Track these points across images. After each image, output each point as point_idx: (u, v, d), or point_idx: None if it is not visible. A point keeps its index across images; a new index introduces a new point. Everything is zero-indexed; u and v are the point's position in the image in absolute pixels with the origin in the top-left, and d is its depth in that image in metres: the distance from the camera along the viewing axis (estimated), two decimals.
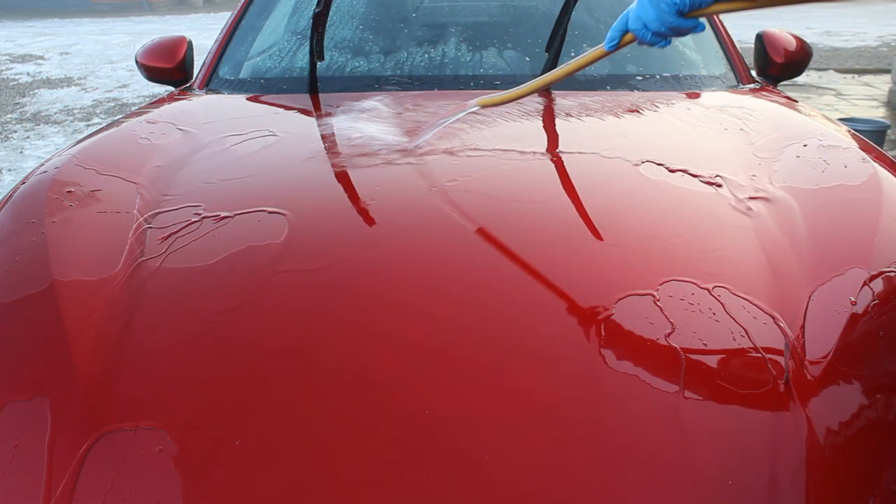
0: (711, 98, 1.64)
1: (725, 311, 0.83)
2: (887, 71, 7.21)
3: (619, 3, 2.03)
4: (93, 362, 0.81)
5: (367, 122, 1.44)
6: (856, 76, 7.45)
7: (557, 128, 1.42)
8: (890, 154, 1.84)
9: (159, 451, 0.70)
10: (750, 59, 2.06)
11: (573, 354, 0.78)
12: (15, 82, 8.03)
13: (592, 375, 0.75)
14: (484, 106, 1.24)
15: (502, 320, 0.83)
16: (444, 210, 1.03)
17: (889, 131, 4.43)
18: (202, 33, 11.22)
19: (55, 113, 6.44)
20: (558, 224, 1.00)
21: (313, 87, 1.68)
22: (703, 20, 0.97)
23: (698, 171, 1.14)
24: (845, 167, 1.16)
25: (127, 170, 1.22)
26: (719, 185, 1.10)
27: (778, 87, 1.91)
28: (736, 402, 0.74)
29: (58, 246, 0.99)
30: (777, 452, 0.70)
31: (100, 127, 1.61)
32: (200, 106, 1.70)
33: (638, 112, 1.50)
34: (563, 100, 1.59)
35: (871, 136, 3.41)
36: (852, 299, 0.85)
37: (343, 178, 1.19)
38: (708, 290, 0.86)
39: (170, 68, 2.06)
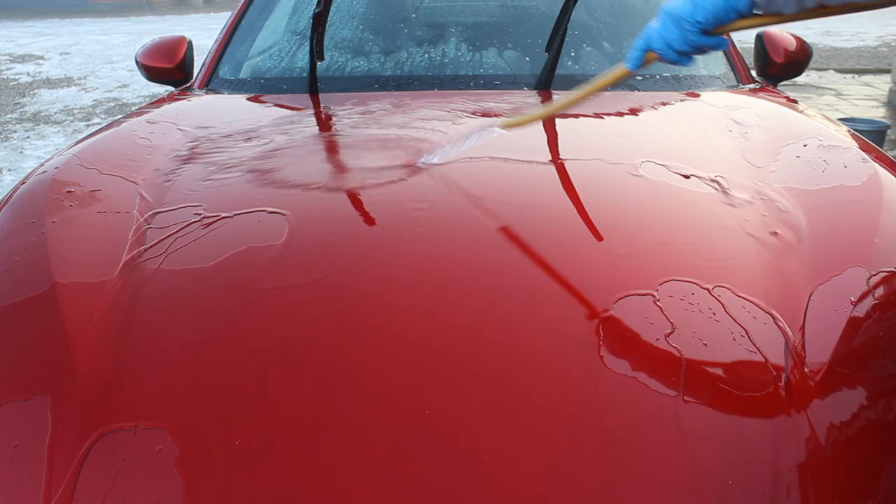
0: (711, 98, 1.64)
1: (725, 311, 0.83)
2: (887, 71, 7.21)
3: (619, 3, 2.03)
4: (93, 362, 0.81)
5: (368, 123, 1.44)
6: (856, 76, 7.46)
7: (557, 128, 1.42)
8: (890, 154, 1.84)
9: (159, 451, 0.70)
10: (750, 59, 2.07)
11: (573, 354, 0.78)
12: (15, 82, 8.03)
13: (592, 375, 0.75)
14: (507, 127, 1.22)
15: (502, 320, 0.83)
16: (444, 211, 1.03)
17: (889, 131, 4.43)
18: (202, 33, 11.22)
19: (55, 113, 6.44)
20: (558, 224, 1.00)
21: (313, 87, 1.68)
22: (725, 36, 0.96)
23: (698, 172, 1.14)
24: (845, 167, 1.16)
25: (127, 170, 1.22)
26: (719, 186, 1.10)
27: (778, 87, 1.91)
28: (736, 402, 0.74)
29: (58, 246, 0.99)
30: (777, 453, 0.70)
31: (100, 127, 1.61)
32: (200, 106, 1.70)
33: (638, 112, 1.50)
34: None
35: (871, 136, 3.41)
36: (852, 299, 0.85)
37: (344, 178, 1.19)
38: (708, 291, 0.86)
39: (170, 68, 2.06)
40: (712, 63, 1.86)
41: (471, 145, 1.17)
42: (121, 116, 1.62)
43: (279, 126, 1.44)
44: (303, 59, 1.87)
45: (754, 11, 0.90)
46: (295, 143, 1.32)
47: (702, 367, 0.76)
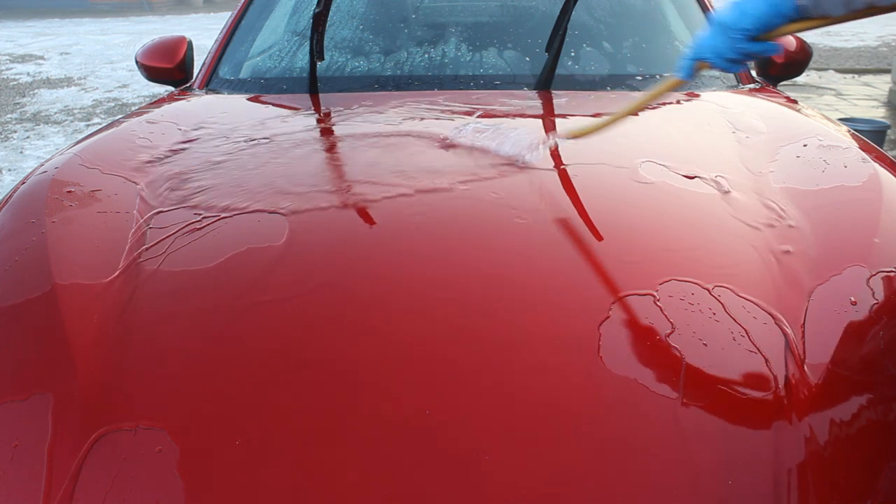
0: (711, 98, 1.64)
1: (725, 311, 0.83)
2: (887, 71, 7.21)
3: (619, 3, 2.03)
4: (93, 362, 0.81)
5: (369, 123, 1.44)
6: (856, 76, 7.45)
7: (556, 128, 1.42)
8: (890, 154, 1.84)
9: (159, 451, 0.70)
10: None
11: (573, 354, 0.78)
12: (15, 82, 8.03)
13: (592, 375, 0.75)
14: (571, 137, 1.22)
15: (502, 321, 0.83)
16: (444, 212, 1.03)
17: (889, 131, 4.43)
18: (202, 33, 11.22)
19: (55, 113, 6.44)
20: (557, 224, 1.00)
21: (313, 87, 1.68)
22: (776, 41, 0.96)
23: (698, 172, 1.14)
24: (845, 167, 1.16)
25: (127, 170, 1.22)
26: (719, 186, 1.10)
27: (778, 87, 1.91)
28: (736, 402, 0.74)
29: (58, 246, 0.99)
30: (777, 453, 0.70)
31: (100, 127, 1.61)
32: (200, 106, 1.70)
33: (638, 112, 1.50)
34: (562, 100, 1.59)
35: (871, 136, 3.41)
36: (852, 299, 0.85)
37: (344, 179, 1.19)
38: (708, 290, 0.86)
39: (170, 68, 2.06)
40: None
41: (538, 157, 1.17)
42: (121, 116, 1.62)
43: (279, 126, 1.44)
44: (303, 59, 1.87)
45: (801, 15, 0.89)
46: (295, 143, 1.32)
47: (702, 368, 0.76)
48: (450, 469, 0.68)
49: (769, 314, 0.83)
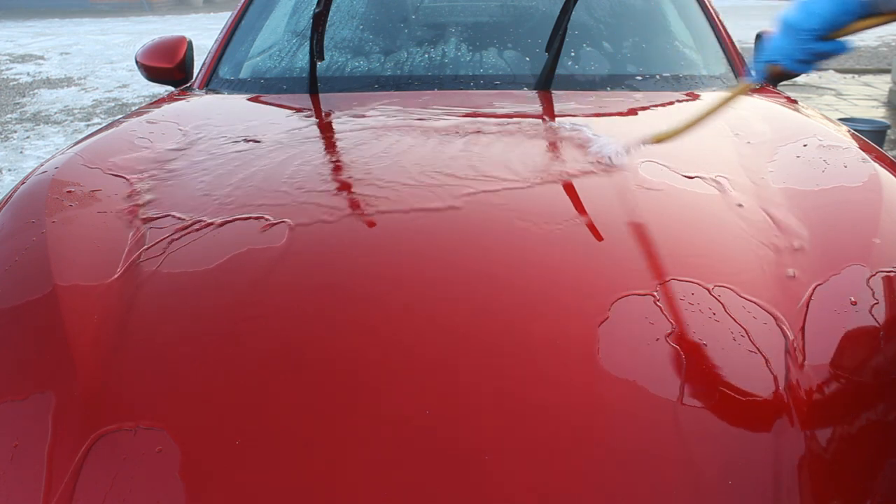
0: (711, 98, 1.64)
1: (725, 311, 0.83)
2: (887, 71, 7.21)
3: (619, 3, 2.03)
4: (93, 362, 0.81)
5: (369, 123, 1.44)
6: (856, 76, 7.46)
7: (557, 128, 1.42)
8: (890, 154, 1.84)
9: (159, 451, 0.70)
10: (750, 59, 2.06)
11: (573, 354, 0.78)
12: (15, 82, 8.03)
13: (592, 375, 0.75)
14: (657, 141, 1.21)
15: (502, 321, 0.83)
16: (443, 212, 1.03)
17: (889, 131, 4.43)
18: (202, 33, 11.22)
19: (55, 113, 6.44)
20: (557, 224, 1.00)
21: (313, 87, 1.68)
22: (846, 39, 0.95)
23: (698, 172, 1.14)
24: (845, 167, 1.16)
25: (127, 170, 1.22)
26: (719, 186, 1.10)
27: (778, 87, 1.91)
28: (736, 402, 0.74)
29: (58, 246, 0.99)
30: (777, 453, 0.70)
31: (100, 127, 1.61)
32: (200, 106, 1.70)
33: (638, 112, 1.50)
34: (563, 100, 1.59)
35: (871, 136, 3.41)
36: (852, 299, 0.85)
37: (344, 180, 1.19)
38: (708, 290, 0.86)
39: (170, 68, 2.06)
40: (712, 63, 1.86)
41: (623, 160, 1.18)
42: (121, 116, 1.62)
43: (279, 126, 1.44)
44: (303, 59, 1.87)
45: (869, 11, 0.88)
46: (295, 144, 1.32)
47: (702, 368, 0.76)
48: (450, 469, 0.68)
49: (769, 314, 0.83)
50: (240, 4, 2.13)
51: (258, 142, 1.32)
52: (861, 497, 0.69)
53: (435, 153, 1.25)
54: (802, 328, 0.82)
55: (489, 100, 1.59)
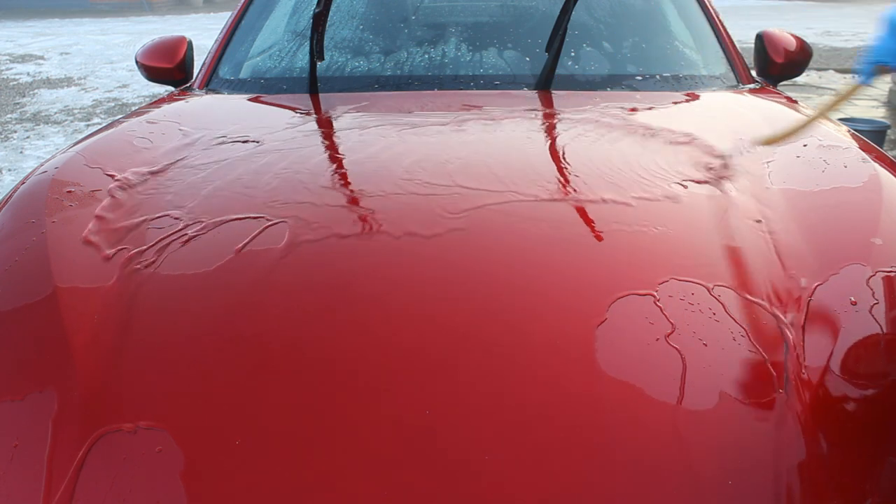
0: (711, 98, 1.64)
1: (725, 311, 0.83)
2: None
3: (619, 3, 2.03)
4: (93, 362, 0.81)
5: (369, 123, 1.44)
6: (856, 76, 7.45)
7: (557, 128, 1.42)
8: (890, 154, 1.84)
9: (159, 451, 0.70)
10: (750, 59, 2.07)
11: (573, 354, 0.78)
12: (15, 82, 8.03)
13: (592, 375, 0.75)
14: (766, 144, 1.19)
15: (502, 321, 0.83)
16: (444, 212, 1.03)
17: (889, 131, 4.43)
18: (202, 33, 11.22)
19: (55, 113, 6.44)
20: (557, 225, 1.00)
21: (313, 87, 1.68)
22: None
23: (698, 171, 1.14)
24: (845, 167, 1.16)
25: (127, 170, 1.22)
26: (719, 186, 1.10)
27: (778, 87, 1.91)
28: (736, 402, 0.74)
29: (58, 246, 0.99)
30: (777, 452, 0.70)
31: (100, 127, 1.61)
32: (200, 106, 1.70)
33: (638, 112, 1.50)
34: (562, 100, 1.59)
35: (871, 136, 3.41)
36: (852, 299, 0.85)
37: (344, 181, 1.19)
38: (708, 290, 0.86)
39: (170, 68, 2.06)
40: (712, 63, 1.86)
41: (736, 164, 1.17)
42: (121, 116, 1.62)
43: (279, 127, 1.44)
44: (303, 59, 1.87)
45: None
46: (295, 144, 1.32)
47: (702, 367, 0.76)
48: (449, 469, 0.68)
49: (769, 314, 0.83)
50: (240, 4, 2.13)
51: (258, 142, 1.32)
52: (861, 497, 0.69)
53: (434, 153, 1.25)
54: (802, 328, 0.82)
55: (489, 100, 1.59)
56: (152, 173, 1.21)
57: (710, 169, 1.16)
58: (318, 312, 0.86)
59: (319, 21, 1.56)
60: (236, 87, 1.83)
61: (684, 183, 1.11)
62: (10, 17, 17.39)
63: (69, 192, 1.14)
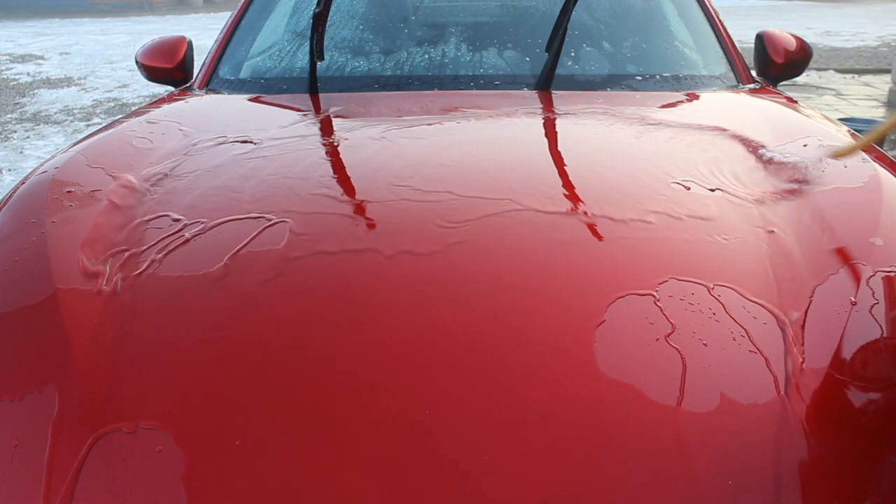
0: (711, 98, 1.64)
1: (725, 311, 0.83)
2: (887, 71, 7.20)
3: (619, 3, 2.03)
4: (93, 362, 0.81)
5: (368, 123, 1.44)
6: (856, 76, 7.46)
7: (557, 128, 1.42)
8: (890, 154, 1.84)
9: (159, 451, 0.70)
10: (750, 59, 2.07)
11: (573, 354, 0.78)
12: (15, 82, 8.03)
13: (592, 375, 0.75)
14: (837, 157, 1.17)
15: (502, 321, 0.83)
16: (443, 214, 1.03)
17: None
18: (202, 33, 11.22)
19: (55, 113, 6.44)
20: (557, 225, 1.00)
21: (313, 87, 1.68)
22: None
23: (698, 172, 1.14)
24: (845, 167, 1.16)
25: (127, 170, 1.22)
26: (719, 185, 1.10)
27: (778, 87, 1.91)
28: (735, 402, 0.74)
29: (58, 246, 0.99)
30: (777, 453, 0.70)
31: (100, 127, 1.61)
32: (200, 106, 1.70)
33: (637, 113, 1.50)
34: (562, 100, 1.59)
35: None
36: (852, 299, 0.85)
37: (345, 180, 1.19)
38: (708, 290, 0.86)
39: (170, 68, 2.06)
40: (712, 63, 1.86)
41: (812, 176, 1.16)
42: (121, 116, 1.62)
43: (279, 127, 1.44)
44: (303, 59, 1.87)
45: None
46: (295, 144, 1.32)
47: (702, 368, 0.76)
48: (449, 469, 0.68)
49: (769, 314, 0.83)
50: (240, 4, 2.13)
51: (258, 143, 1.32)
52: (861, 497, 0.69)
53: (434, 153, 1.25)
54: (802, 328, 0.82)
55: (489, 100, 1.59)
56: (152, 173, 1.21)
57: (710, 169, 1.16)
58: (318, 312, 0.86)
59: (319, 21, 1.56)
60: (236, 87, 1.83)
61: (684, 183, 1.11)
62: (10, 17, 17.39)
63: (69, 192, 1.14)
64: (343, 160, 1.27)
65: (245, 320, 0.85)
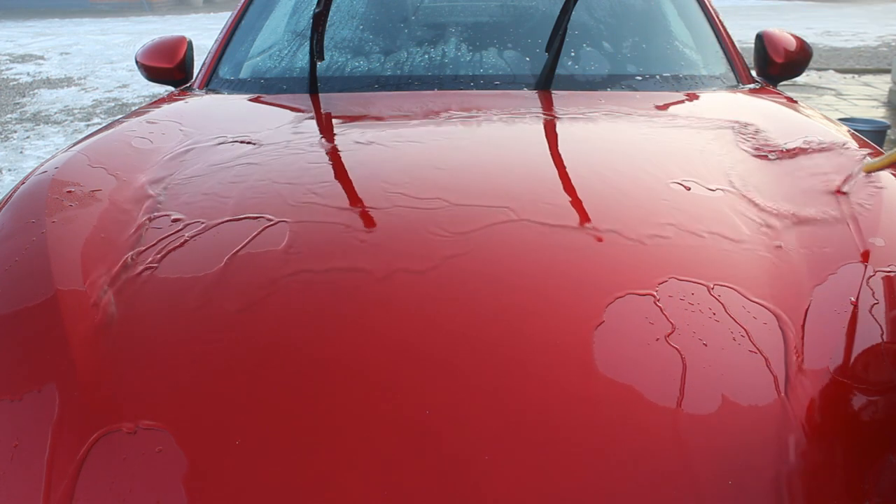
0: (711, 98, 1.64)
1: (725, 311, 0.83)
2: (887, 71, 7.21)
3: (619, 3, 2.03)
4: (93, 362, 0.81)
5: (369, 123, 1.44)
6: (856, 76, 7.46)
7: (558, 129, 1.42)
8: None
9: (159, 451, 0.70)
10: (750, 59, 2.07)
11: (573, 354, 0.78)
12: (15, 82, 8.03)
13: (592, 375, 0.75)
14: (869, 171, 1.14)
15: (502, 321, 0.83)
16: (444, 211, 1.03)
17: (889, 131, 4.43)
18: (202, 33, 11.22)
19: (55, 113, 6.44)
20: (557, 225, 1.00)
21: (313, 87, 1.68)
22: None
23: (698, 171, 1.14)
24: (845, 167, 1.16)
25: (127, 170, 1.22)
26: (719, 186, 1.10)
27: (778, 87, 1.91)
28: (735, 402, 0.74)
29: (58, 246, 0.99)
30: (777, 453, 0.70)
31: (100, 127, 1.61)
32: (200, 106, 1.70)
33: (637, 113, 1.50)
34: (563, 100, 1.59)
35: (871, 136, 3.41)
36: (852, 299, 0.85)
37: (345, 181, 1.19)
38: (708, 290, 0.86)
39: (170, 68, 2.06)
40: (712, 63, 1.86)
41: (730, 166, 1.17)
42: (121, 116, 1.62)
43: (279, 127, 1.44)
44: (303, 59, 1.87)
45: None
46: (295, 144, 1.32)
47: (702, 368, 0.76)
48: (449, 469, 0.68)
49: (769, 314, 0.83)
50: (240, 4, 2.13)
51: (258, 143, 1.32)
52: (860, 497, 0.69)
53: (433, 153, 1.25)
54: (802, 328, 0.82)
55: (489, 100, 1.59)
56: (152, 174, 1.21)
57: (710, 170, 1.16)
58: (318, 312, 0.86)
59: (319, 21, 1.56)
60: (236, 87, 1.83)
61: (685, 184, 1.11)
62: (10, 17, 17.39)
63: (69, 192, 1.14)
64: (343, 160, 1.27)
65: (245, 320, 0.85)
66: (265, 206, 1.06)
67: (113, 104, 6.79)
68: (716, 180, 1.12)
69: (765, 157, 1.21)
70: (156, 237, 1.00)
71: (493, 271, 0.91)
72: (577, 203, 1.07)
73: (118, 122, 1.53)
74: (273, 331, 0.83)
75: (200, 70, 1.96)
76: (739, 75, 1.82)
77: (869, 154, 1.20)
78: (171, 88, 2.07)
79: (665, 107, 1.56)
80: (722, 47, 1.90)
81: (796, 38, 2.06)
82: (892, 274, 0.89)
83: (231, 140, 1.34)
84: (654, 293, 0.85)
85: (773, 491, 0.67)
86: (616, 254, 0.94)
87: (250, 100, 1.71)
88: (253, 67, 1.93)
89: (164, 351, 0.82)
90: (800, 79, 5.77)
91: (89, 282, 0.93)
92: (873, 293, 0.86)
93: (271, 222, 1.01)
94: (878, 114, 5.68)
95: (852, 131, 1.39)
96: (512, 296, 0.86)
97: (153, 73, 2.08)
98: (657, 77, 1.74)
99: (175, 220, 1.04)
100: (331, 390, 0.75)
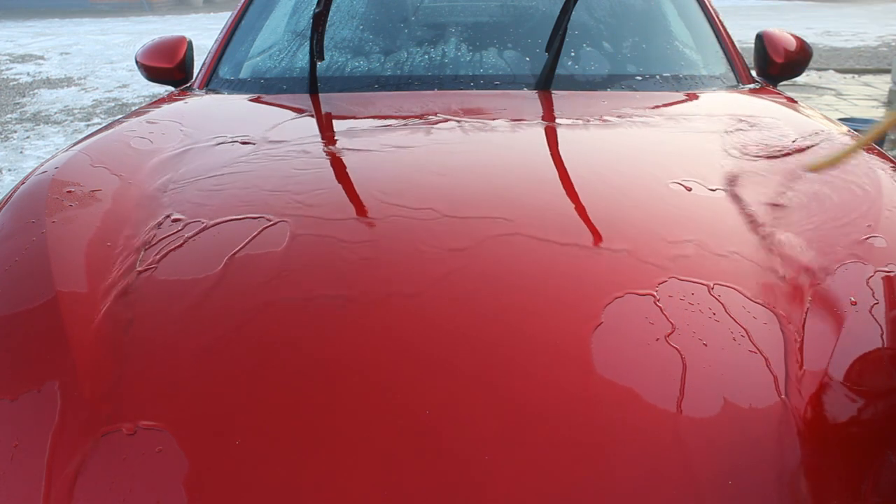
0: (711, 98, 1.64)
1: (725, 311, 0.83)
2: (887, 71, 7.20)
3: (619, 3, 2.03)
4: (93, 363, 0.81)
5: (369, 123, 1.44)
6: (856, 76, 7.46)
7: (558, 129, 1.42)
8: (890, 154, 1.84)
9: (159, 451, 0.70)
10: (750, 59, 2.07)
11: (573, 354, 0.78)
12: (15, 82, 8.03)
13: (592, 375, 0.75)
14: (814, 170, 1.16)
15: (502, 321, 0.83)
16: (444, 211, 1.03)
17: (889, 131, 4.43)
18: (202, 33, 11.22)
19: (55, 113, 6.44)
20: (557, 225, 1.00)
21: (313, 87, 1.68)
22: None
23: (698, 172, 1.14)
24: (845, 167, 1.16)
25: (127, 170, 1.22)
26: (718, 186, 1.10)
27: (778, 87, 1.91)
28: (735, 402, 0.74)
29: (58, 246, 0.99)
30: (777, 453, 0.70)
31: (100, 127, 1.61)
32: (200, 106, 1.70)
33: (637, 113, 1.50)
34: (563, 100, 1.59)
35: None
36: (852, 299, 0.85)
37: (345, 181, 1.19)
38: (708, 290, 0.86)
39: (170, 68, 2.06)
40: (712, 63, 1.86)
41: (730, 167, 1.15)
42: (121, 116, 1.62)
43: (280, 127, 1.44)
44: (303, 59, 1.87)
45: None
46: (294, 145, 1.32)
47: (702, 368, 0.76)
48: (449, 469, 0.68)
49: (769, 314, 0.83)
50: (240, 4, 2.13)
51: (257, 143, 1.32)
52: (860, 497, 0.69)
53: (434, 153, 1.25)
54: (802, 328, 0.82)
55: (489, 100, 1.59)
56: (152, 174, 1.21)
57: (711, 170, 1.16)
58: (318, 312, 0.86)
59: (319, 21, 1.56)
60: (236, 87, 1.83)
61: (685, 184, 1.11)
62: (10, 17, 17.39)
63: (69, 192, 1.14)
64: (343, 160, 1.27)
65: (245, 320, 0.85)
66: (265, 206, 1.06)
67: (113, 104, 6.78)
68: (716, 180, 1.12)
69: (765, 157, 1.21)
70: (156, 237, 1.00)
71: (493, 271, 0.91)
72: (577, 202, 1.07)
73: (118, 122, 1.53)
74: (273, 331, 0.83)
75: (200, 70, 1.96)
76: (739, 75, 1.82)
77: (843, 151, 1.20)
78: (171, 88, 2.07)
79: (665, 107, 1.56)
80: (722, 47, 1.90)
81: (796, 38, 2.06)
82: (892, 274, 0.89)
83: (231, 140, 1.34)
84: (654, 293, 0.85)
85: (773, 491, 0.67)
86: (616, 254, 0.94)
87: (250, 100, 1.71)
88: (253, 67, 1.93)
89: (164, 351, 0.82)
90: (800, 79, 5.76)
91: (89, 282, 0.93)
92: (873, 293, 0.86)
93: (271, 222, 1.01)
94: (879, 114, 5.67)
95: (852, 131, 1.39)
96: (512, 296, 0.86)
97: (153, 73, 2.08)
98: (657, 77, 1.74)
99: (175, 220, 1.04)
100: (330, 390, 0.75)
